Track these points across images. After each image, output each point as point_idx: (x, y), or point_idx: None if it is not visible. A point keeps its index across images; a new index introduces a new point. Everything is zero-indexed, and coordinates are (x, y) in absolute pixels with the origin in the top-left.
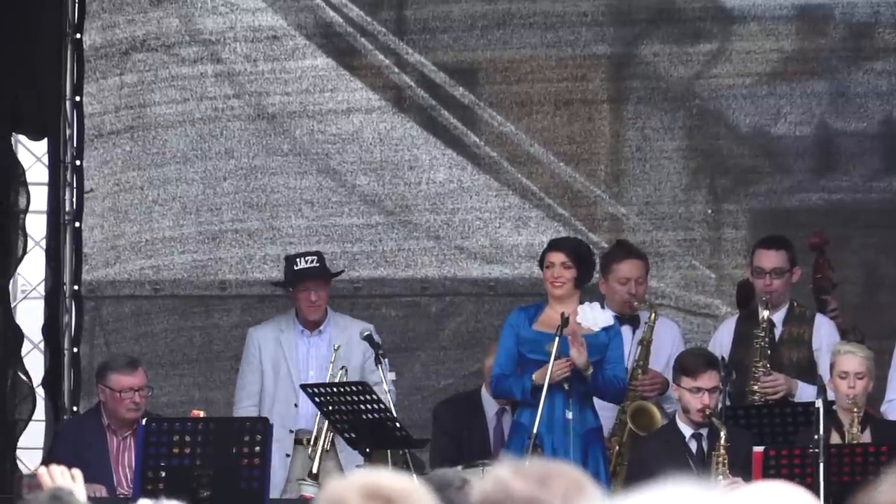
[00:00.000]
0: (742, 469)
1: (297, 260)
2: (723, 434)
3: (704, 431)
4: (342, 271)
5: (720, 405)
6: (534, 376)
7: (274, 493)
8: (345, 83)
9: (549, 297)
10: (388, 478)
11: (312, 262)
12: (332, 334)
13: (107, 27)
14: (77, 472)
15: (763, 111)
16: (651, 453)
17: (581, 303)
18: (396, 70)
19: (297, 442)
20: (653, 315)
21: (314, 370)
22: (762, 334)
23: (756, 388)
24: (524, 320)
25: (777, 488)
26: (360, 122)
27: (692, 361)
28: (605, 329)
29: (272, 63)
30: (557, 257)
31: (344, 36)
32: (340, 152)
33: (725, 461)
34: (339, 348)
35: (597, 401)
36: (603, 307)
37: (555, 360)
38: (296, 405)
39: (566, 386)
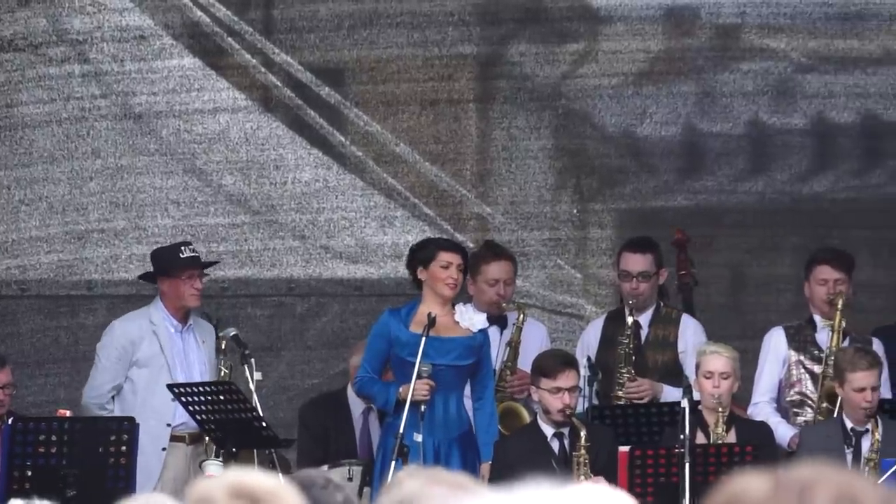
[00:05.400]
0: (605, 468)
1: (182, 249)
2: (583, 434)
3: (566, 431)
4: (217, 261)
5: (588, 404)
6: (400, 390)
7: (147, 488)
8: (211, 83)
9: (423, 297)
10: (255, 477)
11: (194, 251)
12: (195, 331)
13: None
14: None
15: (629, 111)
16: (513, 454)
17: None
18: (263, 70)
19: (176, 438)
20: (521, 316)
21: (197, 365)
22: (626, 341)
23: (621, 393)
24: (398, 322)
25: (597, 491)
26: (226, 122)
27: (549, 362)
28: (480, 330)
29: (139, 63)
30: (455, 259)
31: (211, 36)
32: (207, 152)
33: (587, 461)
34: (204, 343)
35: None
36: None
37: (417, 379)
38: (173, 400)
39: (423, 408)
